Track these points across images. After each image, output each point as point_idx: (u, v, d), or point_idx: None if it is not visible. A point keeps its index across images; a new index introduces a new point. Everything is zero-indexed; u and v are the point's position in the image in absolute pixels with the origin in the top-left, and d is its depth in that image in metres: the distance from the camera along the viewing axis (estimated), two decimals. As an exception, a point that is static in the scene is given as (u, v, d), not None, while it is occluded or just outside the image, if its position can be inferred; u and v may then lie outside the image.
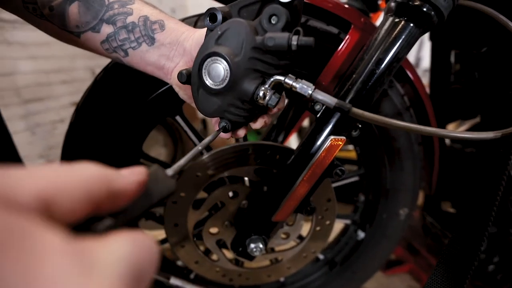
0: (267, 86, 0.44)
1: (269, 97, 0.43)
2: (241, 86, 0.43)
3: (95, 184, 0.22)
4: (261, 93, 0.43)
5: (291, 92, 0.48)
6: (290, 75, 0.47)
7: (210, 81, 0.43)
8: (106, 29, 0.54)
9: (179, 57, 0.53)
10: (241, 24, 0.42)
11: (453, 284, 0.40)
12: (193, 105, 0.55)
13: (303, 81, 0.47)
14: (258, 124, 0.55)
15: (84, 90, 0.71)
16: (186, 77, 0.45)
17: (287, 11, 0.41)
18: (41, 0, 0.53)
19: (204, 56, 0.43)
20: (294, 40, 0.40)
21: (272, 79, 0.45)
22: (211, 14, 0.44)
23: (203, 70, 0.43)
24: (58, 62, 2.09)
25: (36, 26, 0.58)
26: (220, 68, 0.42)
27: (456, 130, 0.52)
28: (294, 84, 0.46)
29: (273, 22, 0.41)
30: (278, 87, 0.47)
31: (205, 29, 0.48)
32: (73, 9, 0.53)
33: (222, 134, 0.53)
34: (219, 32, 0.43)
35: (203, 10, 0.63)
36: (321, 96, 0.47)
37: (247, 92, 0.44)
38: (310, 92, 0.46)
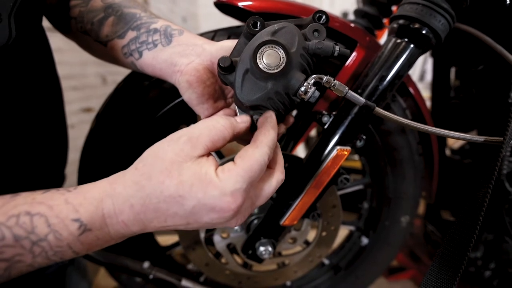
0: (309, 81, 0.48)
1: (311, 92, 0.48)
2: (291, 76, 0.48)
3: (228, 131, 0.44)
4: (303, 88, 0.48)
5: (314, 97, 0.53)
6: (328, 76, 0.52)
7: (265, 65, 0.46)
8: (130, 35, 0.58)
9: (195, 56, 0.55)
10: (294, 27, 0.50)
11: (444, 283, 0.45)
12: (197, 108, 0.56)
13: (339, 82, 0.52)
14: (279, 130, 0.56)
15: (94, 96, 0.75)
16: (230, 62, 0.48)
17: (325, 29, 0.51)
18: (87, 18, 0.60)
19: (263, 41, 0.46)
20: (337, 48, 0.49)
21: (314, 76, 0.50)
22: (254, 21, 0.50)
23: (258, 54, 0.46)
24: (69, 68, 2.11)
25: (77, 42, 0.66)
26: (277, 54, 0.46)
27: (454, 132, 0.58)
28: (333, 82, 0.51)
29: (315, 35, 0.50)
30: (317, 87, 0.51)
31: (228, 40, 0.56)
32: (109, 22, 0.59)
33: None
34: (276, 28, 0.48)
35: (214, 20, 0.68)
36: (353, 95, 0.53)
37: (294, 84, 0.48)
38: (345, 91, 0.52)
